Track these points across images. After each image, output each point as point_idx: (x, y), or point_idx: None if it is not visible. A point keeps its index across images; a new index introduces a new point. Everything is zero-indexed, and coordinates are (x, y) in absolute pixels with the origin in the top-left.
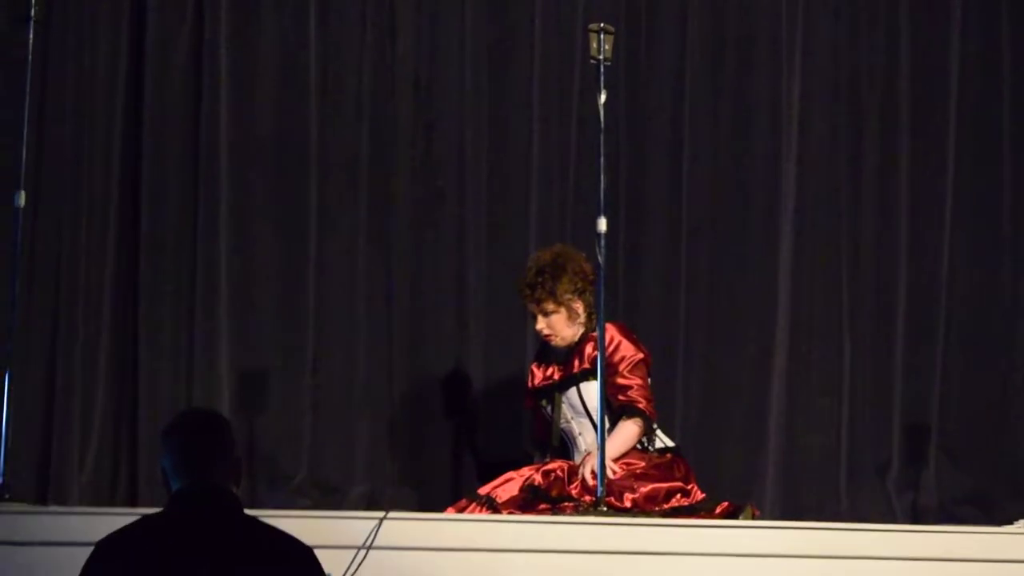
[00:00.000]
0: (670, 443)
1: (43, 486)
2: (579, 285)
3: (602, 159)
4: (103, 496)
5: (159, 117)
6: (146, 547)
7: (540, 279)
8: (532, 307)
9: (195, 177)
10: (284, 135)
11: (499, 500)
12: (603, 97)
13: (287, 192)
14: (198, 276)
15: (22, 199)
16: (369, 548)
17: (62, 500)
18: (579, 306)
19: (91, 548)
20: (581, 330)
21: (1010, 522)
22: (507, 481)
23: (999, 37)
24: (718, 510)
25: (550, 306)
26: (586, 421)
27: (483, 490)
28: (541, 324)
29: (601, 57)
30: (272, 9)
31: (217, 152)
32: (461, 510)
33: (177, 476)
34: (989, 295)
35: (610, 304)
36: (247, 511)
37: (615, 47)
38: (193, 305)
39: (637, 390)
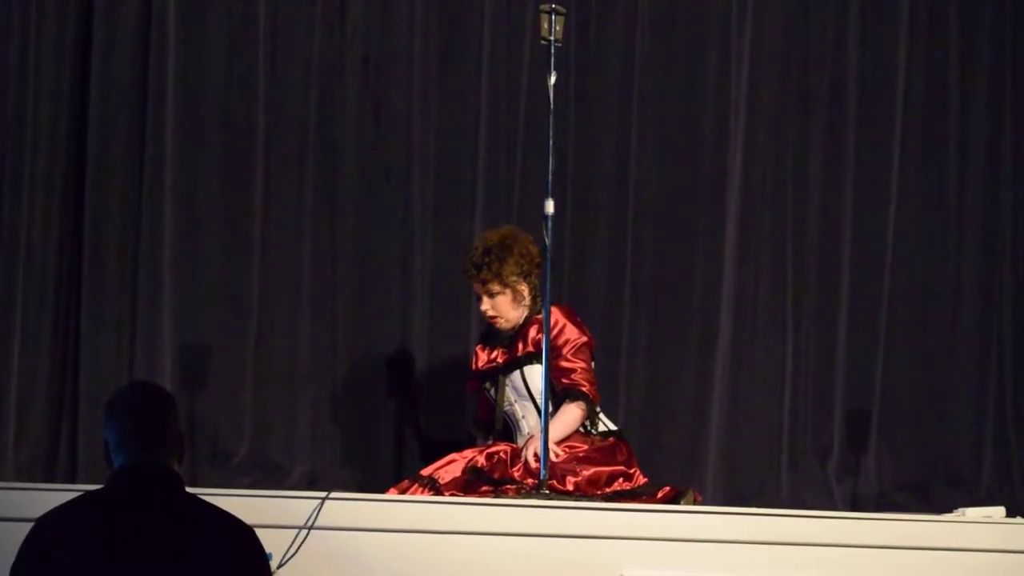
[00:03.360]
0: (613, 427)
1: None
2: (525, 267)
3: (551, 140)
4: (42, 472)
5: (105, 89)
6: (86, 524)
7: (486, 259)
8: (477, 287)
9: (141, 152)
10: (231, 110)
11: (441, 481)
12: (553, 78)
13: (233, 167)
14: (141, 249)
15: None
16: (311, 528)
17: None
18: (524, 288)
19: (30, 524)
20: (526, 313)
21: (949, 510)
22: (450, 463)
23: (947, 22)
24: (660, 494)
25: (495, 287)
26: (529, 404)
27: (426, 471)
28: (486, 305)
29: (552, 38)
30: None
31: (163, 127)
32: (403, 491)
33: (120, 451)
34: (931, 284)
35: (556, 287)
36: (188, 489)
37: (566, 28)
38: (136, 278)
39: (580, 373)
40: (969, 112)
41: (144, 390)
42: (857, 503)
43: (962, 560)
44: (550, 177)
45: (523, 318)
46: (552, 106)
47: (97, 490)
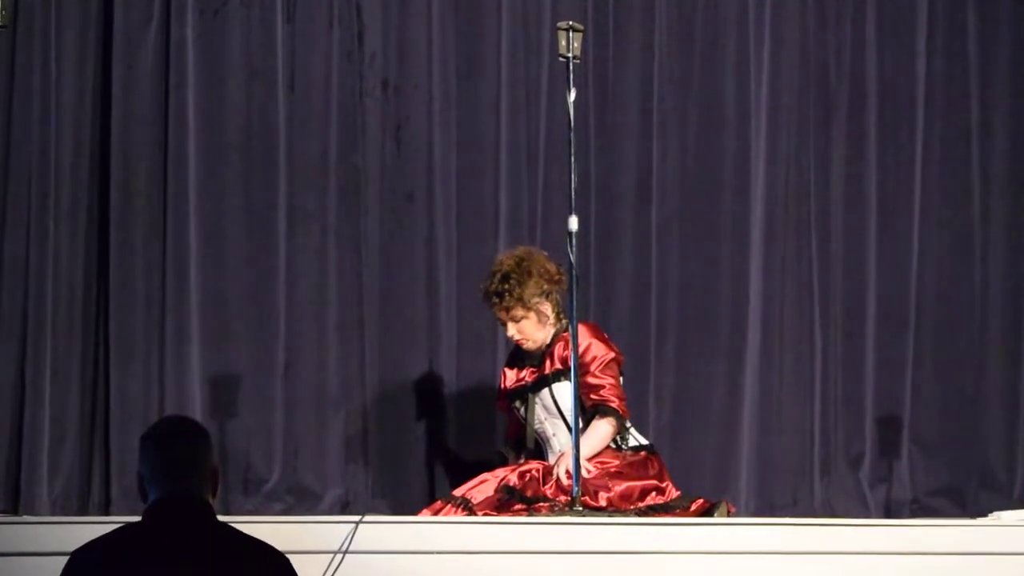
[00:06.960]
0: (644, 441)
1: (14, 496)
2: (545, 287)
3: (572, 157)
4: (76, 506)
5: (127, 121)
6: (122, 558)
7: (506, 285)
8: (501, 314)
9: (163, 181)
10: (252, 138)
11: (474, 501)
12: (572, 95)
13: (256, 195)
14: (168, 281)
15: None
16: (345, 552)
17: (33, 510)
18: (547, 308)
19: (65, 559)
20: (552, 331)
21: (983, 514)
22: (482, 482)
23: (966, 28)
24: (693, 507)
25: (519, 312)
26: (559, 422)
27: (458, 491)
28: (512, 330)
29: (570, 55)
30: (239, 10)
31: (186, 156)
32: (436, 512)
33: (154, 484)
34: (959, 287)
35: (582, 303)
36: (222, 517)
37: (583, 45)
38: (164, 310)
39: (609, 389)
40: (990, 112)
41: (178, 424)
42: (891, 510)
43: (999, 564)
44: (572, 194)
45: (550, 337)
46: (572, 123)
47: (133, 523)
